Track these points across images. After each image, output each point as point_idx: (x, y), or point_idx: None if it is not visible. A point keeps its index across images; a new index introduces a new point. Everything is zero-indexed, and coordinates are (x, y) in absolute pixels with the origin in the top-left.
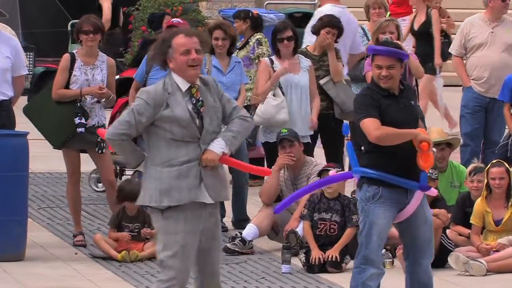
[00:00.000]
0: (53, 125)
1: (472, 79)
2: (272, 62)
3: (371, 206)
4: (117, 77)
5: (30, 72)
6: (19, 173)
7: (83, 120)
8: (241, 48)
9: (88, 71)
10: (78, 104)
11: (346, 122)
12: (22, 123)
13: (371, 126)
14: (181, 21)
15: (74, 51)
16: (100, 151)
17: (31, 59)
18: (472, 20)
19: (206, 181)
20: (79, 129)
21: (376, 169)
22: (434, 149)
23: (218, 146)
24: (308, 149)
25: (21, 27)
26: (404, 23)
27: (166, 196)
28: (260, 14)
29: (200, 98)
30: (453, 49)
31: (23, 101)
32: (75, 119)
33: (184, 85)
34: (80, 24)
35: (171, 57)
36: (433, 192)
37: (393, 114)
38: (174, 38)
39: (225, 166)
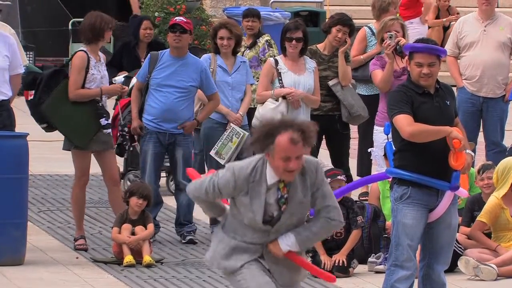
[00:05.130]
0: (77, 125)
1: (465, 79)
2: (276, 62)
3: (399, 206)
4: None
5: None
6: (19, 175)
7: (109, 121)
8: (249, 48)
9: (99, 68)
10: (100, 104)
11: (387, 121)
12: (22, 124)
13: (404, 122)
14: (185, 20)
15: (84, 49)
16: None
17: (31, 59)
18: (465, 18)
19: (268, 264)
20: (107, 130)
21: (407, 169)
22: (470, 152)
23: (285, 244)
24: (312, 151)
25: (21, 26)
26: (411, 26)
27: (226, 261)
28: (266, 12)
29: (286, 196)
30: (447, 48)
31: (21, 101)
32: (100, 120)
33: (272, 179)
34: (110, 21)
35: (271, 153)
36: (463, 193)
37: (426, 112)
38: (279, 135)
39: None
